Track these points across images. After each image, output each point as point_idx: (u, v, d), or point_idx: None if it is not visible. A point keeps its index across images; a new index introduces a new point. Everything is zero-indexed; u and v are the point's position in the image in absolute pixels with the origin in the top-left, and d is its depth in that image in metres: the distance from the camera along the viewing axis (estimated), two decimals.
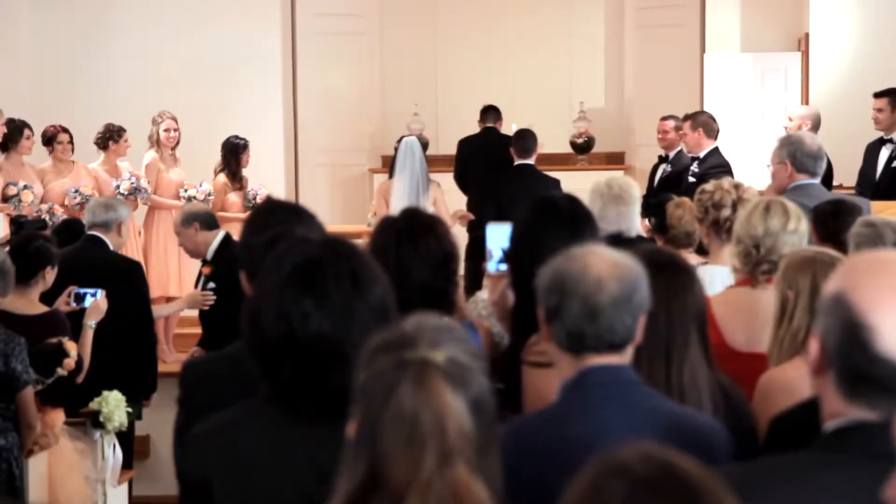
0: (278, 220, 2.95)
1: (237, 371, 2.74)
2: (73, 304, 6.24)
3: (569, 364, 2.50)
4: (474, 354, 1.88)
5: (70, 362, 5.73)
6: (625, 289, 2.45)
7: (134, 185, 9.33)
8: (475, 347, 1.91)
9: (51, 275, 6.05)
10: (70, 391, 5.90)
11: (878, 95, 8.79)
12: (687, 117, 9.06)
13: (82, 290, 6.26)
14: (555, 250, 2.57)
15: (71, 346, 5.77)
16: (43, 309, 6.03)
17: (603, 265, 2.45)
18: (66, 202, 9.08)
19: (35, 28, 11.67)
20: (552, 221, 3.30)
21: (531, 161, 9.14)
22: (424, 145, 12.61)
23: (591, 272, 2.44)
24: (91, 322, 6.22)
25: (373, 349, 1.87)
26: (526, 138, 9.20)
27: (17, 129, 9.00)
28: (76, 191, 9.11)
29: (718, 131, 8.80)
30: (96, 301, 6.26)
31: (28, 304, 5.97)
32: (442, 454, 1.77)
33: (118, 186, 9.35)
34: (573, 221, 3.31)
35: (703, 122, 8.68)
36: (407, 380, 1.80)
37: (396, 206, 8.45)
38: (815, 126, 8.07)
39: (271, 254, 2.37)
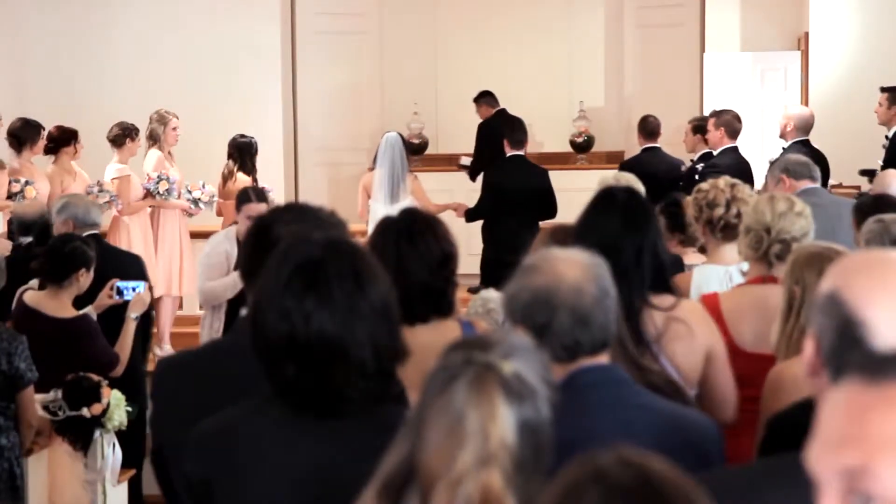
0: (267, 215, 2.97)
1: (210, 368, 2.76)
2: (116, 298, 6.25)
3: (557, 371, 2.49)
4: (545, 381, 1.89)
5: (98, 408, 5.70)
6: (600, 288, 2.46)
7: (171, 184, 9.18)
8: (551, 377, 1.92)
9: (85, 278, 5.99)
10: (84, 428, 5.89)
11: (883, 90, 8.93)
12: (713, 114, 9.10)
13: (124, 284, 6.27)
14: (610, 242, 2.57)
15: (106, 393, 5.75)
16: (73, 313, 6.00)
17: (575, 270, 2.46)
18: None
19: (35, 27, 11.67)
20: (609, 213, 3.28)
21: (522, 153, 9.71)
22: (424, 144, 12.71)
23: (567, 281, 2.44)
24: (134, 315, 6.24)
25: (454, 345, 1.92)
26: (519, 131, 9.81)
27: (34, 129, 8.94)
28: (100, 188, 8.96)
29: (739, 132, 8.76)
30: (139, 294, 6.26)
31: (59, 306, 5.94)
32: (480, 456, 1.78)
33: (155, 187, 9.17)
34: (629, 215, 3.28)
35: (726, 122, 8.69)
36: (466, 377, 1.83)
37: (377, 196, 9.29)
38: (801, 128, 8.08)
39: (273, 253, 2.38)
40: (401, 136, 9.66)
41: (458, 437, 1.79)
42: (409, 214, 3.16)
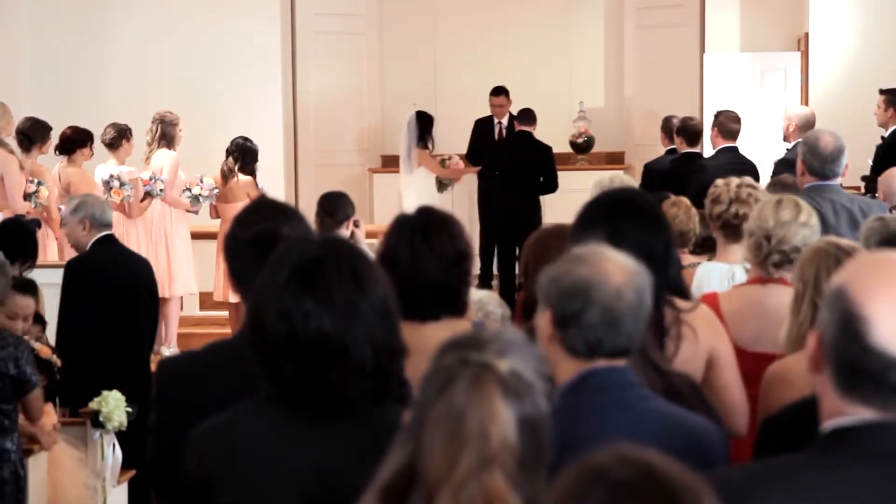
0: (264, 217, 2.94)
1: (212, 369, 2.75)
2: None
3: (571, 366, 2.49)
4: (541, 374, 1.88)
5: (46, 351, 5.73)
6: (638, 297, 2.45)
7: (163, 185, 9.07)
8: (547, 370, 1.91)
9: None
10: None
11: (881, 92, 8.97)
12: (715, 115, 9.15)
13: None
14: (617, 241, 2.56)
15: (42, 349, 5.77)
16: None
17: (621, 274, 2.44)
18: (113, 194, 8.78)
19: (34, 27, 11.65)
20: (634, 215, 3.23)
21: (531, 129, 10.81)
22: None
23: (610, 281, 2.43)
24: None
25: (446, 345, 1.90)
26: (530, 117, 10.87)
27: (44, 128, 8.86)
28: (120, 182, 8.82)
29: (736, 132, 8.69)
30: None
31: None
32: (482, 458, 1.77)
33: (153, 188, 9.04)
34: (650, 215, 3.23)
35: (719, 123, 8.70)
36: (463, 379, 1.82)
37: (400, 168, 10.96)
38: (803, 127, 8.07)
39: (272, 254, 2.36)
40: (418, 113, 10.96)
41: (460, 440, 1.78)
42: (425, 212, 3.15)
